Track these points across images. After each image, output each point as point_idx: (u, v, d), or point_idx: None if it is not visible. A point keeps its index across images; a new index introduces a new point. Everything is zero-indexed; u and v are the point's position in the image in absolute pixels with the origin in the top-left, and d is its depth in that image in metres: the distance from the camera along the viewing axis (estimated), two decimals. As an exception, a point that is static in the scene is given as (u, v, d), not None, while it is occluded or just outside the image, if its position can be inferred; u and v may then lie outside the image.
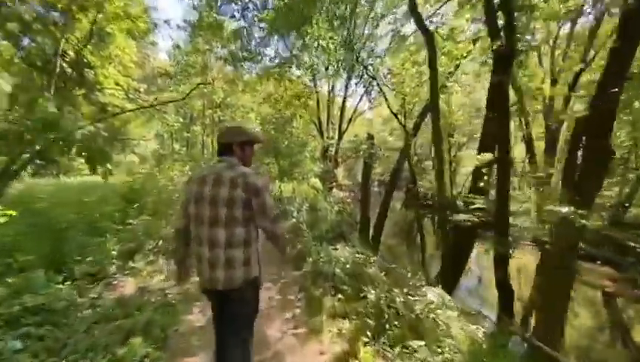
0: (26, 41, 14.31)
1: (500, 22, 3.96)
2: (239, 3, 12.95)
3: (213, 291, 1.58)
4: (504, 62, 4.15)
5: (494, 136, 4.67)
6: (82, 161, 16.24)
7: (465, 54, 4.92)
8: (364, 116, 20.75)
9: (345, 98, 14.92)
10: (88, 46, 15.43)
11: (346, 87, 14.96)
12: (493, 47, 4.03)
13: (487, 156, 4.60)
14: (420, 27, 4.48)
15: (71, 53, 15.19)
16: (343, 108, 14.92)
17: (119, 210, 5.33)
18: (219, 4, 13.98)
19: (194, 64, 14.60)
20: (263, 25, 12.27)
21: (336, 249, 5.00)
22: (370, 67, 5.85)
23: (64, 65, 15.86)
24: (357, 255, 4.70)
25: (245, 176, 1.55)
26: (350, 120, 15.19)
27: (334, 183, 15.67)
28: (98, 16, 13.65)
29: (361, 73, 6.80)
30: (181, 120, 18.02)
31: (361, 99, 15.39)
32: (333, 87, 15.38)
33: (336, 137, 15.36)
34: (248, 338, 1.68)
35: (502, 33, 3.95)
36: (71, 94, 16.67)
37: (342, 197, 16.14)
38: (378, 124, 24.50)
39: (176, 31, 22.50)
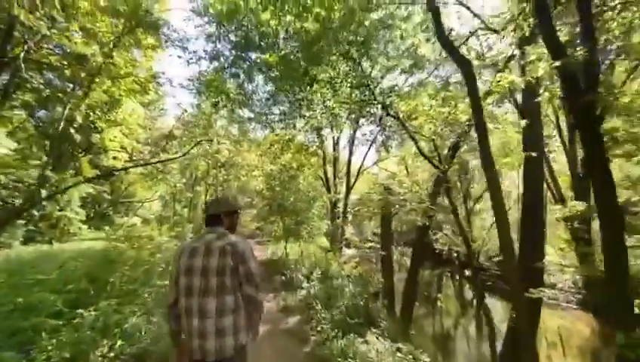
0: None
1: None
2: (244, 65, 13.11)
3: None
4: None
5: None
6: (82, 225, 15.10)
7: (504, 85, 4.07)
8: (369, 171, 20.09)
9: (351, 151, 14.26)
10: (97, 112, 15.44)
11: (353, 140, 14.39)
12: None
13: (579, 206, 3.39)
14: (457, 59, 3.68)
15: (79, 119, 15.12)
16: (349, 162, 14.16)
17: (79, 291, 4.00)
18: (225, 67, 14.25)
19: (198, 125, 14.28)
20: (268, 88, 12.19)
21: (367, 342, 3.53)
22: (389, 106, 5.02)
23: (72, 130, 15.77)
24: (398, 354, 3.22)
25: (233, 245, 1.59)
26: (358, 173, 14.33)
27: (344, 242, 14.20)
28: (111, 88, 13.79)
29: (377, 115, 6.03)
30: (184, 181, 17.25)
31: (368, 151, 14.71)
32: (338, 140, 14.83)
33: (344, 192, 14.37)
34: None
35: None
36: (77, 158, 16.30)
37: (351, 256, 14.60)
38: (382, 179, 23.81)
39: (181, 94, 23.11)
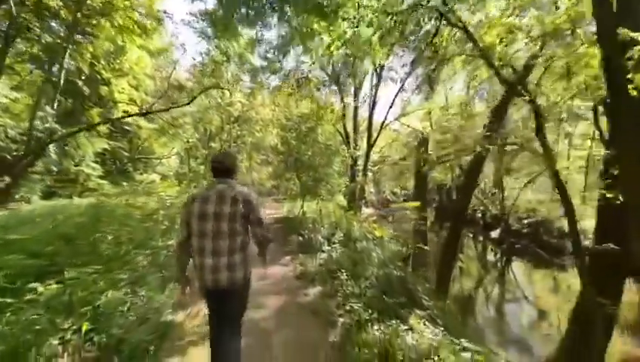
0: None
1: None
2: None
3: (215, 291, 1.72)
4: None
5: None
6: (101, 180, 14.76)
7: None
8: (390, 127, 18.42)
9: (374, 100, 12.65)
10: (102, 61, 14.26)
11: (377, 88, 12.73)
12: None
13: None
14: None
15: (85, 69, 14.05)
16: (371, 115, 12.63)
17: (54, 255, 3.22)
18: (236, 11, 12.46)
19: (207, 73, 12.91)
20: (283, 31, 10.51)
21: (411, 329, 2.60)
22: (449, 12, 3.55)
23: (80, 83, 14.80)
24: (463, 354, 2.27)
25: (245, 194, 1.77)
26: (381, 128, 12.87)
27: (364, 201, 13.26)
28: (112, 31, 12.44)
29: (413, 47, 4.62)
30: (197, 136, 16.32)
31: (396, 97, 13.03)
32: (359, 91, 13.20)
33: (364, 149, 13.08)
34: (239, 328, 1.86)
35: None
36: (88, 113, 15.50)
37: (369, 215, 13.73)
38: (405, 136, 22.08)
39: (190, 42, 21.32)
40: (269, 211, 13.04)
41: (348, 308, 2.98)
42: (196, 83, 14.72)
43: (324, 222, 8.13)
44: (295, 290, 3.82)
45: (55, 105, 11.89)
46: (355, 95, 13.17)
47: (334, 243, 5.84)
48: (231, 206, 1.68)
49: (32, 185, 12.87)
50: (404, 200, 29.38)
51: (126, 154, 20.76)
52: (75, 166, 15.03)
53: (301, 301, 3.48)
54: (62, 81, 12.32)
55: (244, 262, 1.76)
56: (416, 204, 4.77)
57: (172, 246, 5.10)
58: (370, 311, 2.85)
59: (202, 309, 3.11)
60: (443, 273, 4.72)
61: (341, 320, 2.83)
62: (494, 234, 13.25)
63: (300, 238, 6.49)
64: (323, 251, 5.40)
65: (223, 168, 1.84)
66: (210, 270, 1.66)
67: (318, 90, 12.78)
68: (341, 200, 12.23)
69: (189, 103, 10.16)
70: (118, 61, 13.73)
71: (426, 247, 4.53)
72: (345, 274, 3.87)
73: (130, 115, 11.25)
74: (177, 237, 1.86)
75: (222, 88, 11.33)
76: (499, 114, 5.90)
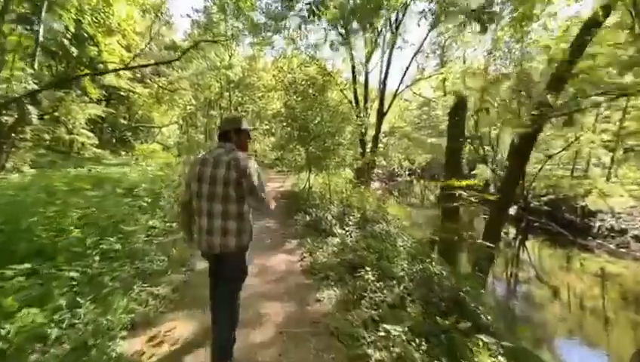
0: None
1: None
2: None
3: (211, 254, 1.71)
4: None
5: None
6: (99, 150, 13.70)
7: None
8: (401, 97, 16.87)
9: (389, 64, 11.18)
10: (86, 16, 12.67)
11: (391, 53, 11.22)
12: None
13: None
14: None
15: (72, 28, 12.52)
16: (384, 80, 11.20)
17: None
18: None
19: (204, 29, 11.36)
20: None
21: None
22: None
23: (65, 42, 13.31)
24: None
25: (237, 160, 1.64)
26: (394, 97, 11.49)
27: (373, 174, 12.19)
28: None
29: None
30: (194, 103, 14.99)
31: (408, 67, 11.58)
32: (370, 56, 11.68)
33: (374, 118, 11.81)
34: (237, 292, 1.81)
35: None
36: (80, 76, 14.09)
37: (376, 189, 12.77)
38: (418, 105, 20.58)
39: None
40: (272, 185, 12.08)
41: (383, 333, 2.02)
42: (192, 42, 13.19)
43: (334, 198, 7.15)
44: (303, 293, 2.87)
45: (36, 64, 10.58)
46: (367, 60, 11.65)
47: (347, 224, 4.88)
48: (225, 170, 1.63)
49: (22, 155, 11.89)
50: (410, 174, 28.29)
51: (124, 122, 19.60)
52: (70, 134, 13.97)
53: (312, 312, 2.53)
54: (41, 37, 10.92)
55: (240, 229, 1.68)
56: (472, 182, 3.70)
57: (154, 228, 4.18)
58: (417, 341, 1.89)
59: (173, 328, 2.19)
60: (482, 265, 3.77)
61: (376, 356, 1.87)
62: (511, 211, 12.25)
63: (307, 217, 5.54)
64: (335, 235, 4.45)
65: (222, 132, 1.79)
66: (206, 231, 1.66)
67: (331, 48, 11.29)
68: (349, 173, 11.19)
69: (178, 59, 8.85)
70: (104, 15, 12.10)
71: (468, 235, 3.52)
72: (370, 273, 2.90)
73: (111, 71, 9.92)
74: (180, 198, 1.88)
75: (215, 42, 9.85)
76: (559, 84, 4.67)
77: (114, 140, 19.37)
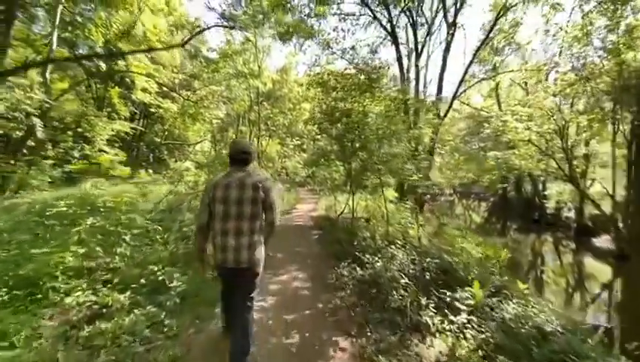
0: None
1: None
2: None
3: (234, 269, 1.77)
4: None
5: None
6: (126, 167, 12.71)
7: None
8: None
9: (445, 61, 8.89)
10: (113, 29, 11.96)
11: (447, 50, 8.97)
12: None
13: None
14: None
15: (100, 45, 11.86)
16: (440, 81, 8.91)
17: None
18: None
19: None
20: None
21: None
22: None
23: (96, 60, 12.72)
24: None
25: (263, 182, 1.83)
26: (453, 99, 9.13)
27: (428, 196, 9.66)
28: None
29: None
30: (221, 115, 13.66)
31: (467, 69, 9.18)
32: (420, 53, 9.50)
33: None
34: (252, 302, 1.92)
35: None
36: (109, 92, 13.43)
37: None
38: (466, 114, 17.83)
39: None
40: (303, 207, 10.02)
41: None
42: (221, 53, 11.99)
43: (392, 232, 4.85)
44: None
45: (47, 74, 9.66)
46: (417, 55, 9.49)
47: (445, 302, 2.56)
48: (253, 191, 1.76)
49: (42, 173, 11.00)
50: (450, 194, 24.68)
51: (158, 140, 19.03)
52: (99, 151, 13.17)
53: None
54: (54, 46, 10.04)
55: (262, 242, 1.85)
56: None
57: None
58: None
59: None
60: None
61: None
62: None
63: (359, 269, 3.31)
64: (429, 331, 2.17)
65: (240, 158, 1.89)
66: (233, 249, 1.73)
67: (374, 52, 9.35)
68: (392, 193, 8.79)
69: (183, 45, 7.27)
70: (128, 27, 11.23)
71: None
72: None
73: (123, 53, 8.70)
74: (198, 221, 1.89)
75: (231, 28, 8.23)
76: None
77: (150, 159, 18.77)
